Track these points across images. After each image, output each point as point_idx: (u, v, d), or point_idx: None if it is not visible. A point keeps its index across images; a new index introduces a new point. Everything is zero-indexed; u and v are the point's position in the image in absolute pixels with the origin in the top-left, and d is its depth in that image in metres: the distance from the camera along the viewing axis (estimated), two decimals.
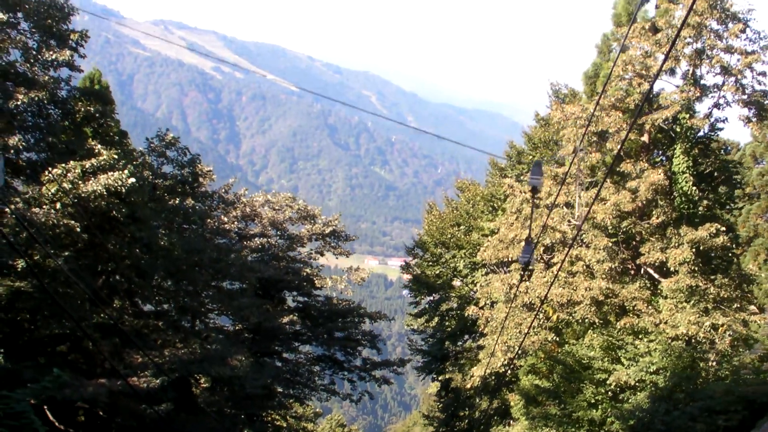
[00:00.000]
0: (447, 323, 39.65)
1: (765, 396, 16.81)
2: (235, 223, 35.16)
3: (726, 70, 23.62)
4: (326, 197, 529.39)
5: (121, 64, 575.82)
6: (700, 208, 24.35)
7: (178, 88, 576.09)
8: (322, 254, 39.14)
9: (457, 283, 38.30)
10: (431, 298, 40.73)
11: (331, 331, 37.96)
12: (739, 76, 23.72)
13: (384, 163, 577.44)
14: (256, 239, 36.48)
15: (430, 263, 40.26)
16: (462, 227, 38.06)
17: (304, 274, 36.99)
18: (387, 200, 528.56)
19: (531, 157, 35.30)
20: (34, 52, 21.71)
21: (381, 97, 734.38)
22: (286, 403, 38.72)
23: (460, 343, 37.91)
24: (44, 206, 19.81)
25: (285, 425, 40.43)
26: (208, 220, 30.53)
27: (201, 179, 29.10)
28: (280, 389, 36.01)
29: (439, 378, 41.29)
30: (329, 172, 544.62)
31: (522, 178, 29.20)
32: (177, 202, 27.07)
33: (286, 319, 36.63)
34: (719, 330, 21.22)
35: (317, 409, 45.02)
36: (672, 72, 24.65)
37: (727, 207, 28.25)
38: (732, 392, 17.72)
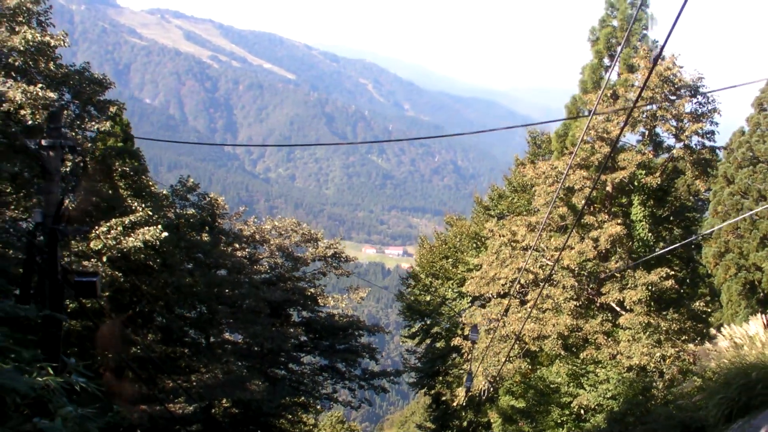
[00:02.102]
0: (437, 344, 43.34)
1: (698, 422, 20.09)
2: (247, 249, 38.55)
3: (676, 136, 27.31)
4: (323, 186, 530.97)
5: (117, 53, 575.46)
6: (657, 250, 27.94)
7: (175, 78, 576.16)
8: (324, 274, 42.68)
9: (445, 309, 41.94)
10: (423, 322, 44.26)
11: (333, 343, 41.60)
12: (687, 141, 27.38)
13: (381, 152, 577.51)
14: (264, 262, 40.23)
15: (422, 292, 43.89)
16: (450, 260, 41.77)
17: (309, 293, 40.59)
18: (384, 189, 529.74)
19: (510, 198, 39.00)
20: (78, 122, 25.18)
21: (377, 86, 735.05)
22: (292, 410, 42.07)
23: (449, 361, 41.27)
24: (92, 259, 23.43)
25: (290, 428, 43.95)
26: (225, 249, 34.04)
27: (219, 220, 32.72)
28: (287, 397, 39.42)
29: (431, 392, 44.95)
30: (326, 160, 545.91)
31: (502, 223, 32.57)
32: (195, 235, 30.68)
33: (291, 331, 40.40)
34: (667, 360, 24.83)
35: (318, 406, 48.39)
36: (632, 129, 28.23)
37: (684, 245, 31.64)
38: (672, 417, 21.16)
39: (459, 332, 33.61)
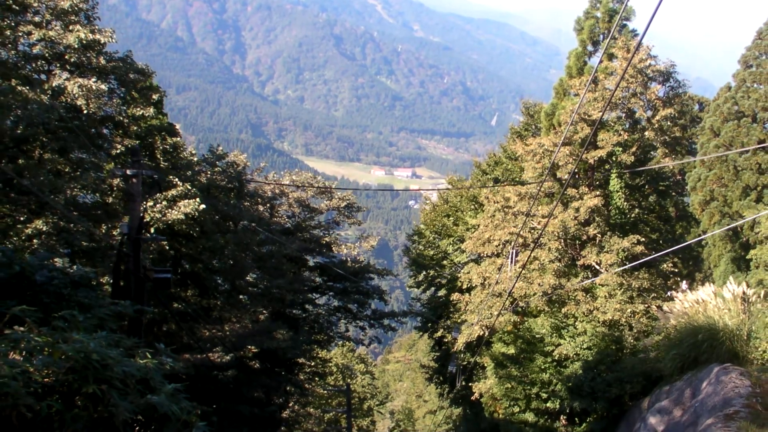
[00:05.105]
0: (440, 292, 47.21)
1: (657, 372, 23.28)
2: (267, 204, 42.26)
3: (649, 120, 30.75)
4: (332, 108, 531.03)
5: None
6: (632, 217, 31.71)
7: None
8: (338, 224, 46.54)
9: (446, 263, 45.76)
10: (427, 273, 47.99)
11: (346, 286, 45.56)
12: (657, 125, 30.81)
13: (390, 73, 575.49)
14: (282, 213, 44.16)
15: (426, 247, 47.69)
16: (451, 218, 45.41)
17: (324, 242, 44.45)
18: (393, 110, 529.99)
19: (503, 165, 42.50)
20: (124, 107, 28.70)
21: (386, 6, 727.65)
22: (309, 348, 46.09)
23: (451, 308, 44.74)
24: (142, 230, 27.21)
25: (307, 363, 48.20)
26: (249, 207, 37.79)
27: (246, 185, 36.40)
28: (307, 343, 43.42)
29: (434, 336, 48.89)
30: (335, 82, 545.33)
31: (497, 189, 36.10)
32: (222, 196, 34.30)
33: (307, 275, 44.52)
34: (636, 316, 28.64)
35: (336, 340, 52.47)
36: (610, 111, 31.66)
37: (661, 207, 35.20)
38: (636, 368, 24.59)
39: (459, 284, 37.35)
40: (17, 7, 25.70)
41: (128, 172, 17.20)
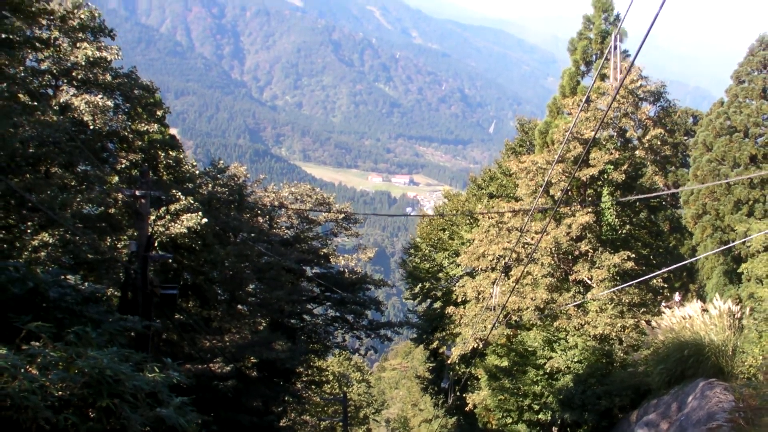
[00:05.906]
0: (435, 304, 47.99)
1: (645, 386, 23.91)
2: (266, 216, 42.94)
3: (639, 139, 31.63)
4: (330, 114, 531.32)
5: None
6: (623, 233, 32.48)
7: (182, 3, 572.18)
8: (336, 235, 47.27)
9: (442, 275, 46.55)
10: (423, 285, 48.76)
11: (343, 297, 46.25)
12: (647, 144, 31.66)
13: (388, 80, 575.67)
14: (282, 224, 44.89)
15: (423, 260, 48.50)
16: (447, 232, 46.20)
17: (322, 253, 45.20)
18: (391, 117, 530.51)
19: (498, 181, 43.29)
20: (129, 122, 29.41)
21: (385, 12, 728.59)
22: (307, 357, 46.81)
23: (446, 320, 45.54)
24: None
25: (304, 372, 48.87)
26: (249, 220, 38.50)
27: (246, 198, 37.13)
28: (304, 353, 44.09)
29: (429, 347, 49.66)
30: (333, 88, 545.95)
31: (491, 205, 36.89)
32: (224, 209, 34.99)
33: (305, 285, 45.28)
34: (626, 330, 29.37)
35: (334, 349, 53.10)
36: (603, 130, 32.52)
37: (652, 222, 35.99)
38: (625, 381, 25.30)
39: (453, 297, 38.11)
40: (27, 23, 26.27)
41: (137, 192, 17.94)
